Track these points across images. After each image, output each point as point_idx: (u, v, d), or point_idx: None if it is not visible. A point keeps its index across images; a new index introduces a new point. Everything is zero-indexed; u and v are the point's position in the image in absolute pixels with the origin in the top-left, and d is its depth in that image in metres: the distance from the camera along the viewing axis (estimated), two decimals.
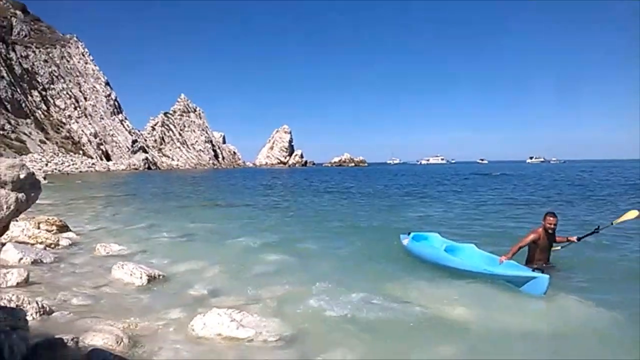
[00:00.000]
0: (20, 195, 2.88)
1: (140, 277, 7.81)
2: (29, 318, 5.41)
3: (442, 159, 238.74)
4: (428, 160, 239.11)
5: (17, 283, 7.08)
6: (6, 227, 3.04)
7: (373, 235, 13.44)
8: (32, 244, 10.45)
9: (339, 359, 4.96)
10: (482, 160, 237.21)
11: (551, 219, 8.28)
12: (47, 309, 5.99)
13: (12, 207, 2.80)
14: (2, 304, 5.10)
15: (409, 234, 10.55)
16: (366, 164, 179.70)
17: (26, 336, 4.66)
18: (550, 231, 8.31)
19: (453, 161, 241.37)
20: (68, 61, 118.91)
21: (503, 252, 8.46)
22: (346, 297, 7.00)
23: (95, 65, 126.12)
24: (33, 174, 3.04)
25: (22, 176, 2.93)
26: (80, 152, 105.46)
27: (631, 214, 8.98)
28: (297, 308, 6.53)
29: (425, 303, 6.79)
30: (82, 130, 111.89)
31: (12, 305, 5.49)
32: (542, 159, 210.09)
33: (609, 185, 35.33)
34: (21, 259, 8.69)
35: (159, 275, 8.13)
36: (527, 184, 41.18)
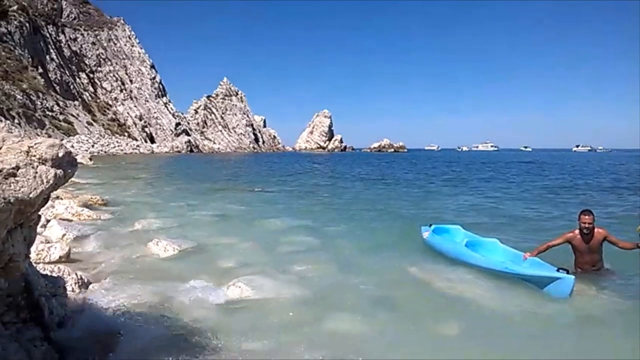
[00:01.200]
0: (58, 171, 3.27)
1: (174, 251, 8.32)
2: (68, 287, 5.88)
3: (492, 146, 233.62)
4: (477, 146, 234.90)
5: (60, 257, 7.63)
6: (46, 200, 3.43)
7: (400, 223, 13.62)
8: (75, 221, 11.07)
9: (347, 321, 5.47)
10: (525, 147, 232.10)
11: (585, 217, 7.23)
12: (86, 280, 6.48)
13: (51, 181, 3.19)
14: (45, 274, 5.55)
15: (430, 225, 10.00)
16: (406, 150, 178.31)
17: (64, 302, 5.12)
18: (585, 231, 7.27)
19: (496, 148, 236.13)
20: (115, 44, 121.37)
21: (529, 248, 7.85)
22: (362, 274, 7.51)
23: (141, 48, 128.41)
24: (70, 152, 3.43)
25: (60, 154, 3.32)
26: (126, 134, 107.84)
27: None
28: (316, 280, 7.10)
29: (436, 284, 7.12)
30: (128, 113, 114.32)
31: (54, 275, 5.96)
32: (589, 148, 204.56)
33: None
34: (64, 234, 9.27)
35: (192, 249, 8.66)
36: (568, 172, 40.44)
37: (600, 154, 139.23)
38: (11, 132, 3.98)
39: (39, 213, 3.73)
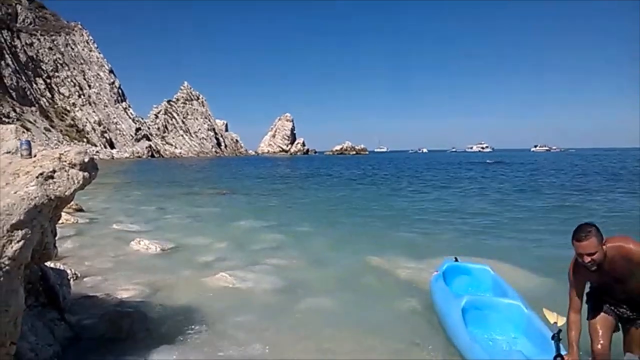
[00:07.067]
0: (85, 174, 3.99)
1: (156, 249, 9.01)
2: None
3: (486, 146, 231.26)
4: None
5: None
6: (72, 198, 4.12)
7: (363, 219, 14.64)
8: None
9: (319, 301, 6.32)
10: (483, 148, 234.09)
11: (577, 243, 3.66)
12: (79, 274, 7.13)
13: (80, 182, 3.90)
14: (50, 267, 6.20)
15: (455, 259, 6.82)
16: (367, 152, 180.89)
17: (69, 291, 5.79)
18: (590, 266, 3.69)
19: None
20: (72, 49, 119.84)
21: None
22: (329, 265, 8.45)
23: (99, 53, 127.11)
24: (93, 158, 4.15)
25: (86, 160, 4.03)
26: (84, 140, 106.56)
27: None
28: (288, 271, 7.89)
29: (395, 271, 7.99)
30: (86, 118, 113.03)
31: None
32: (546, 148, 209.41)
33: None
34: None
35: (172, 248, 9.38)
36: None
37: (559, 154, 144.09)
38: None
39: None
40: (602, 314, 4.00)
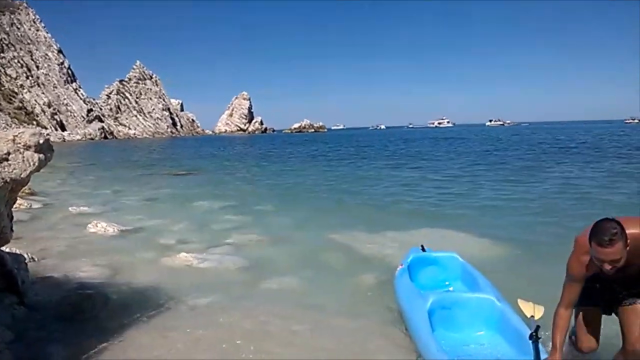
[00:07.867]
0: (40, 155, 3.95)
1: (114, 231, 8.96)
2: None
3: (448, 122, 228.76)
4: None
5: None
6: (28, 180, 4.08)
7: (320, 196, 14.89)
8: None
9: (281, 281, 6.40)
10: (440, 123, 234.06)
11: (601, 249, 2.85)
12: (36, 258, 7.03)
13: (36, 164, 3.87)
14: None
15: (422, 248, 6.17)
16: (325, 130, 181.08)
17: (27, 275, 5.73)
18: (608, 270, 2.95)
19: (410, 126, 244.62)
20: (18, 28, 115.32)
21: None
22: (290, 244, 8.54)
23: (47, 33, 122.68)
24: (48, 140, 4.11)
25: (41, 141, 3.99)
26: (34, 122, 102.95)
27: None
28: (250, 251, 7.96)
29: (355, 247, 8.16)
30: (35, 100, 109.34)
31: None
32: (500, 122, 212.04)
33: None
34: None
35: (130, 230, 9.35)
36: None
37: (512, 127, 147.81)
38: None
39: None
40: (591, 307, 3.48)
